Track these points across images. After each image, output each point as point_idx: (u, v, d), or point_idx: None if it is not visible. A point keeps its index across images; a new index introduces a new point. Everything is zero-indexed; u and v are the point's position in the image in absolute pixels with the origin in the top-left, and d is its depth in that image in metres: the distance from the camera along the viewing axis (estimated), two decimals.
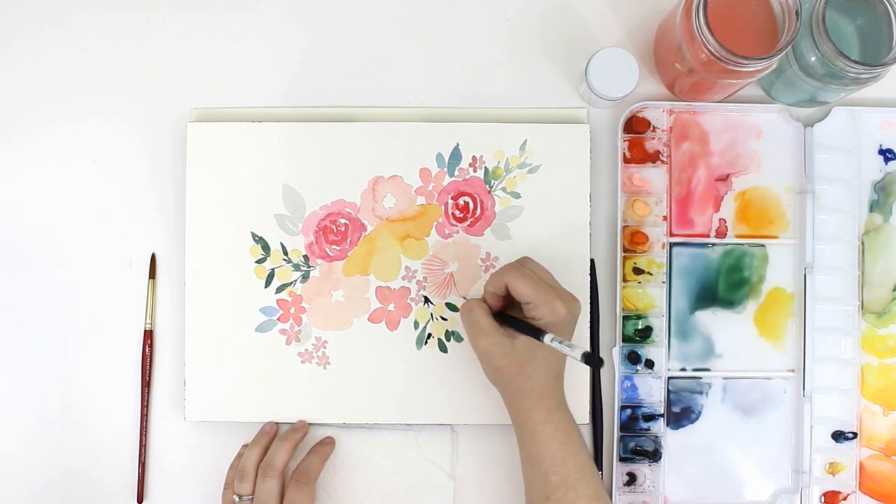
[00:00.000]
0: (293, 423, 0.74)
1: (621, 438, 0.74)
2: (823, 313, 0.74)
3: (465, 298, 0.74)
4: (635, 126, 0.75)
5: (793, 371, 0.75)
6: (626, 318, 0.74)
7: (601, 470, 0.74)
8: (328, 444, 0.74)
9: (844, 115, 0.75)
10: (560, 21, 0.77)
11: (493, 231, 0.74)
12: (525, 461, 0.67)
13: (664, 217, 0.75)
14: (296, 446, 0.72)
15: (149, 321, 0.76)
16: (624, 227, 0.75)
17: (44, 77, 0.76)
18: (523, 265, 0.67)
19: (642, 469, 0.74)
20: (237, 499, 0.70)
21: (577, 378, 0.73)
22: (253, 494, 0.70)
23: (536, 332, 0.65)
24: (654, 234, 0.75)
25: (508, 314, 0.68)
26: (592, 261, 0.75)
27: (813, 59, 0.67)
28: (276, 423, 0.74)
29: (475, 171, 0.74)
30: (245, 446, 0.74)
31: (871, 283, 0.75)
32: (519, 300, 0.66)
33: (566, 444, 0.65)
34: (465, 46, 0.77)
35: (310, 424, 0.74)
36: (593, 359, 0.60)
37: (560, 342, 0.63)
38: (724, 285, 0.75)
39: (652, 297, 0.75)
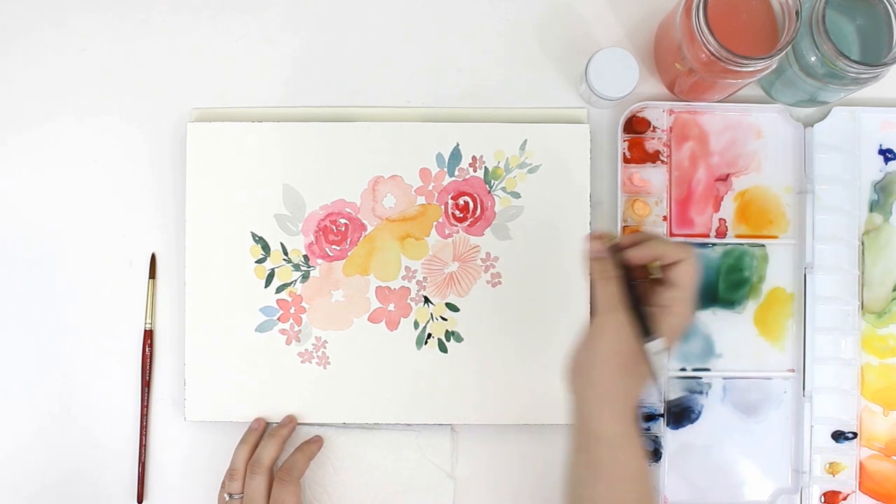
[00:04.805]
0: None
1: None
2: (823, 313, 0.74)
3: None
4: (635, 126, 0.75)
5: (793, 371, 0.75)
6: None
7: None
8: (315, 442, 0.73)
9: (844, 115, 0.75)
10: (560, 21, 0.77)
11: (493, 231, 0.74)
12: (590, 473, 0.60)
13: (664, 217, 0.75)
14: (284, 442, 0.72)
15: (149, 321, 0.76)
16: (624, 227, 0.75)
17: (44, 77, 0.76)
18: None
19: None
20: (227, 497, 0.70)
21: None
22: (243, 492, 0.70)
23: (647, 330, 0.59)
24: None
25: (635, 292, 0.62)
26: None
27: (813, 59, 0.67)
28: (265, 419, 0.74)
29: (475, 171, 0.74)
30: None
31: (871, 283, 0.75)
32: (673, 285, 0.61)
33: (644, 465, 0.60)
34: (465, 46, 0.77)
35: (309, 424, 0.74)
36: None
37: (658, 352, 0.59)
38: (724, 285, 0.75)
39: None
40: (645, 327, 0.60)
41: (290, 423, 0.73)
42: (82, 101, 0.76)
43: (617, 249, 0.63)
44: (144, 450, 0.75)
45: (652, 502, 0.61)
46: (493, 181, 0.74)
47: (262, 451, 0.71)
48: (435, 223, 0.75)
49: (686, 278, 0.61)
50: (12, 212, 0.76)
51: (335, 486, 0.74)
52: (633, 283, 0.62)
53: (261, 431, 0.73)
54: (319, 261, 0.74)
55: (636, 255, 0.62)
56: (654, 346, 0.59)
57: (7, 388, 0.76)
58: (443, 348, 0.74)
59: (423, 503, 0.74)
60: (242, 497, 0.70)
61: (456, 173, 0.74)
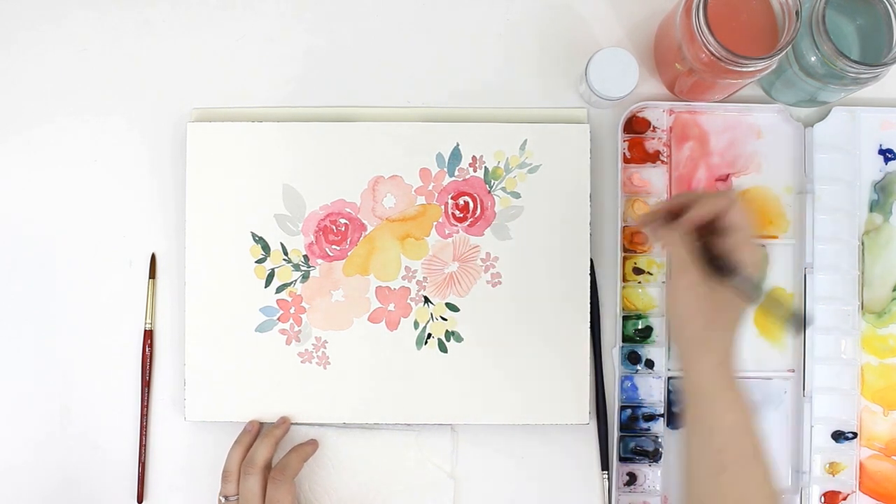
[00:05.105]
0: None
1: (621, 438, 0.74)
2: (823, 313, 0.74)
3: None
4: (635, 126, 0.75)
5: (793, 371, 0.75)
6: (626, 318, 0.74)
7: (605, 470, 0.74)
8: (310, 444, 0.73)
9: (844, 115, 0.75)
10: (560, 21, 0.77)
11: (493, 231, 0.74)
12: (695, 428, 0.62)
13: None
14: (277, 442, 0.72)
15: (149, 321, 0.76)
16: (624, 227, 0.75)
17: (44, 77, 0.76)
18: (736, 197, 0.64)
19: (642, 469, 0.74)
20: (224, 500, 0.70)
21: (578, 377, 0.73)
22: (238, 494, 0.70)
23: (730, 272, 0.60)
24: None
25: (711, 251, 0.63)
26: (592, 261, 0.75)
27: (813, 59, 0.67)
28: (258, 421, 0.74)
29: (475, 170, 0.74)
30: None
31: (871, 283, 0.75)
32: (730, 230, 0.62)
33: (744, 416, 0.61)
34: (465, 46, 0.77)
35: (309, 425, 0.74)
36: (801, 321, 0.59)
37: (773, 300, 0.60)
38: None
39: (652, 297, 0.75)
40: (727, 271, 0.61)
41: (284, 423, 0.73)
42: (82, 101, 0.76)
43: (669, 219, 0.64)
44: (144, 450, 0.75)
45: (754, 452, 0.61)
46: (493, 181, 0.74)
47: (255, 452, 0.70)
48: (435, 223, 0.75)
49: (738, 220, 0.62)
50: (12, 211, 0.76)
51: (335, 486, 0.74)
52: (705, 240, 0.63)
53: (254, 433, 0.73)
54: (319, 261, 0.74)
55: (692, 220, 0.63)
56: (741, 281, 0.60)
57: (7, 389, 0.76)
58: (443, 348, 0.74)
59: (423, 503, 0.74)
60: (238, 499, 0.69)
61: (456, 173, 0.74)
